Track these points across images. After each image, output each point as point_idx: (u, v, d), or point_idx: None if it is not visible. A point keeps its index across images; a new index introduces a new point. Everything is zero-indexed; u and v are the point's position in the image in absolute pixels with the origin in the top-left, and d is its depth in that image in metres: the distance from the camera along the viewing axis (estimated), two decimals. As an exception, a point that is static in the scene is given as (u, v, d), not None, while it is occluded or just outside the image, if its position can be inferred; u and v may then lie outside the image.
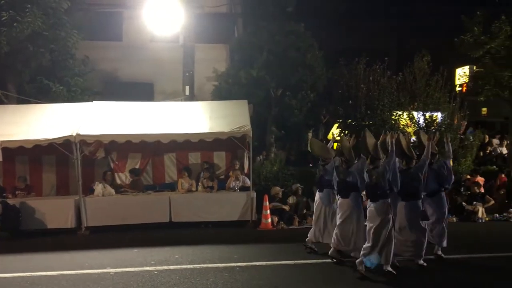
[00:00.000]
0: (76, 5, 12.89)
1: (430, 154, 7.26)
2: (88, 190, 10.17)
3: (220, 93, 12.85)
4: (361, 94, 12.61)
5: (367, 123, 12.64)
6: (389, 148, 6.78)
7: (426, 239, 7.08)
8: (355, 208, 7.12)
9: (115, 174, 11.14)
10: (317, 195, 8.06)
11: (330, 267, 7.12)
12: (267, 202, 10.19)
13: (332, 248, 7.32)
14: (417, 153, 7.74)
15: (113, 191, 10.27)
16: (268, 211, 10.12)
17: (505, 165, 13.94)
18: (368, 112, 12.63)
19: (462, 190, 11.79)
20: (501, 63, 14.38)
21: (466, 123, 13.97)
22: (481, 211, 10.73)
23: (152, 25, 12.91)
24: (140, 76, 15.59)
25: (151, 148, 10.90)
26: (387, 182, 6.59)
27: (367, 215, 6.70)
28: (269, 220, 10.06)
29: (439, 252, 7.58)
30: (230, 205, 10.17)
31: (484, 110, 23.79)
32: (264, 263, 7.31)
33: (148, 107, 11.18)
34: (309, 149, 9.08)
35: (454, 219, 10.71)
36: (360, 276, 6.46)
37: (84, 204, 9.64)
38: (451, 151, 7.86)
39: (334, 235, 7.30)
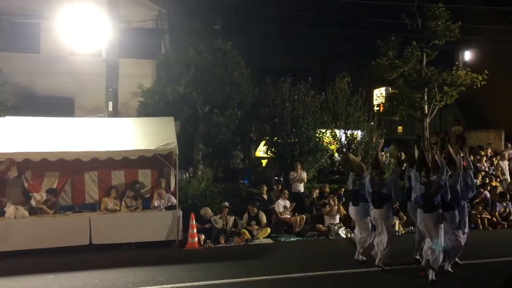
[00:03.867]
0: (-13, 14, 12.04)
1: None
2: (-2, 212, 9.35)
3: (146, 110, 12.53)
4: (286, 113, 12.95)
5: (292, 140, 12.99)
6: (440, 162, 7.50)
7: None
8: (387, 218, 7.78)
9: (30, 194, 10.36)
10: (353, 209, 8.49)
11: (263, 284, 7.12)
12: (194, 221, 10.01)
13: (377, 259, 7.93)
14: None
15: (26, 213, 9.53)
16: (195, 230, 9.94)
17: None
18: (294, 130, 12.98)
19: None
20: (413, 85, 15.54)
21: (383, 140, 14.80)
22: (397, 224, 11.34)
23: (72, 37, 12.36)
24: (59, 91, 14.76)
25: (70, 166, 10.30)
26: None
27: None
28: (196, 239, 9.88)
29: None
30: (156, 225, 9.86)
31: (400, 128, 25.51)
32: (190, 284, 7.15)
33: (67, 123, 10.61)
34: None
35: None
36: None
37: (-8, 228, 8.85)
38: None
39: (375, 245, 8.06)
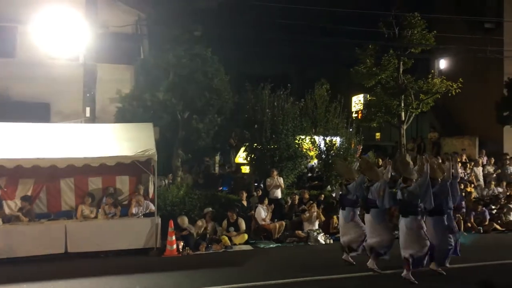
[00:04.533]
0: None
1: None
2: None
3: (124, 116, 12.38)
4: (266, 119, 13.00)
5: (272, 147, 13.04)
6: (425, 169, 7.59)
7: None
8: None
9: (3, 202, 10.11)
10: (340, 213, 8.82)
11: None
12: (172, 228, 9.92)
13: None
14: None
15: (-1, 221, 9.30)
16: (174, 237, 9.85)
17: (394, 185, 15.11)
18: (273, 136, 13.03)
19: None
20: (391, 92, 15.82)
21: (361, 147, 15.00)
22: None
23: (49, 42, 12.17)
24: (35, 96, 14.45)
25: (45, 173, 10.08)
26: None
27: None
28: (174, 246, 9.79)
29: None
30: (133, 232, 9.72)
31: (378, 135, 25.88)
32: (168, 292, 7.06)
33: (43, 129, 10.40)
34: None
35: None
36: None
37: (-37, 237, 8.59)
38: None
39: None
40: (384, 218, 8.33)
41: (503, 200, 12.92)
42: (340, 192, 9.06)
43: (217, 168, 16.00)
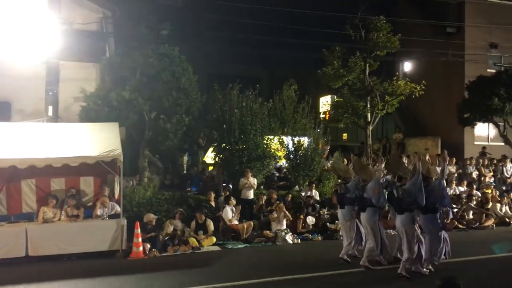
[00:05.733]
0: None
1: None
2: None
3: (88, 115, 12.07)
4: (234, 119, 12.96)
5: (240, 147, 13.01)
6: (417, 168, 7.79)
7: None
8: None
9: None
10: (339, 212, 9.05)
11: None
12: (139, 230, 9.73)
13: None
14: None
15: (-46, 224, 8.87)
16: (140, 239, 9.66)
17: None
18: (242, 136, 13.01)
19: (326, 211, 12.63)
20: (357, 94, 16.10)
21: (329, 147, 15.18)
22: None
23: (9, 38, 11.71)
24: (-5, 94, 13.92)
25: (5, 174, 9.71)
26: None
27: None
28: (141, 248, 9.60)
29: None
30: (98, 235, 9.48)
31: (345, 135, 26.34)
32: (133, 295, 6.91)
33: (3, 128, 9.99)
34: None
35: (319, 237, 11.45)
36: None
37: None
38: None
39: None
40: (379, 217, 8.57)
41: (464, 200, 13.35)
42: (339, 191, 9.30)
43: (185, 168, 15.84)
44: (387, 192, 8.53)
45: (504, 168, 16.02)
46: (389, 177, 9.30)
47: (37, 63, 13.06)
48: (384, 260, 8.60)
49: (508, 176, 15.81)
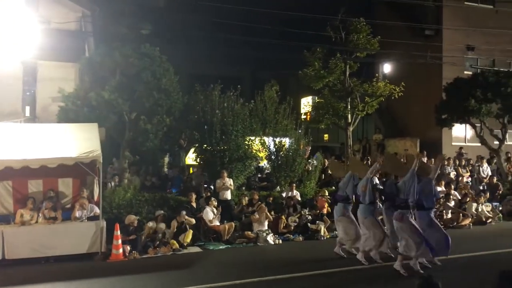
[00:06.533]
0: None
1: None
2: None
3: (67, 115, 11.88)
4: (216, 120, 12.92)
5: (222, 148, 12.98)
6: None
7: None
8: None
9: None
10: (334, 208, 9.59)
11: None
12: (118, 231, 9.62)
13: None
14: None
15: None
16: (120, 241, 9.55)
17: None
18: (223, 137, 12.98)
19: (307, 211, 12.69)
20: (338, 95, 16.24)
21: (310, 148, 15.27)
22: (323, 229, 11.71)
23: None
24: (-31, 94, 13.59)
25: (-20, 175, 9.50)
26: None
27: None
28: (121, 250, 9.49)
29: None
30: (77, 237, 9.34)
31: (326, 136, 26.53)
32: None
33: (-23, 128, 9.77)
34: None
35: (301, 238, 11.51)
36: None
37: None
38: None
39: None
40: (370, 213, 8.75)
41: (442, 199, 13.58)
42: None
43: (166, 170, 15.72)
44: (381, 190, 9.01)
45: (480, 168, 16.36)
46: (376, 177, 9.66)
47: (14, 63, 12.79)
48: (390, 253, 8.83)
49: (485, 176, 16.14)
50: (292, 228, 11.82)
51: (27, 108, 12.37)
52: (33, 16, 12.41)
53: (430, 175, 8.44)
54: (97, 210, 9.91)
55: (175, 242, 10.31)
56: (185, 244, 10.38)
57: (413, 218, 8.23)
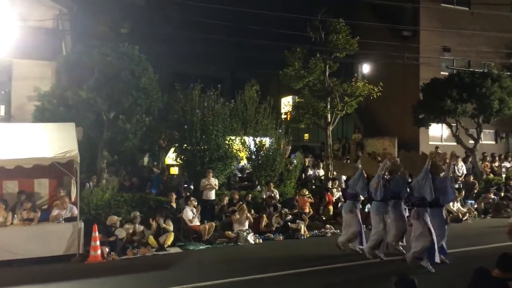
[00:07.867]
0: None
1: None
2: None
3: (43, 115, 11.64)
4: (196, 119, 12.86)
5: (202, 147, 12.93)
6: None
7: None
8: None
9: None
10: (344, 205, 9.98)
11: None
12: (97, 233, 9.49)
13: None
14: None
15: None
16: (98, 242, 9.42)
17: (322, 185, 15.62)
18: (203, 137, 12.93)
19: (287, 210, 12.72)
20: (318, 95, 16.32)
21: (290, 147, 15.32)
22: (303, 228, 11.78)
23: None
24: None
25: (-48, 177, 9.24)
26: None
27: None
28: (99, 252, 9.37)
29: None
30: (54, 238, 9.18)
31: (306, 136, 26.66)
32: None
33: (-51, 128, 9.50)
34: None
35: (281, 237, 11.55)
36: None
37: None
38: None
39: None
40: (382, 211, 9.02)
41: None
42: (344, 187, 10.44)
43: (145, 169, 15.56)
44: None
45: (456, 167, 16.69)
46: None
47: (-12, 61, 12.50)
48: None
49: (460, 174, 16.48)
50: (275, 228, 11.85)
51: (2, 107, 12.08)
52: (9, 13, 12.13)
53: (444, 173, 8.78)
54: (75, 211, 9.75)
55: (152, 239, 10.21)
56: (165, 246, 10.31)
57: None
